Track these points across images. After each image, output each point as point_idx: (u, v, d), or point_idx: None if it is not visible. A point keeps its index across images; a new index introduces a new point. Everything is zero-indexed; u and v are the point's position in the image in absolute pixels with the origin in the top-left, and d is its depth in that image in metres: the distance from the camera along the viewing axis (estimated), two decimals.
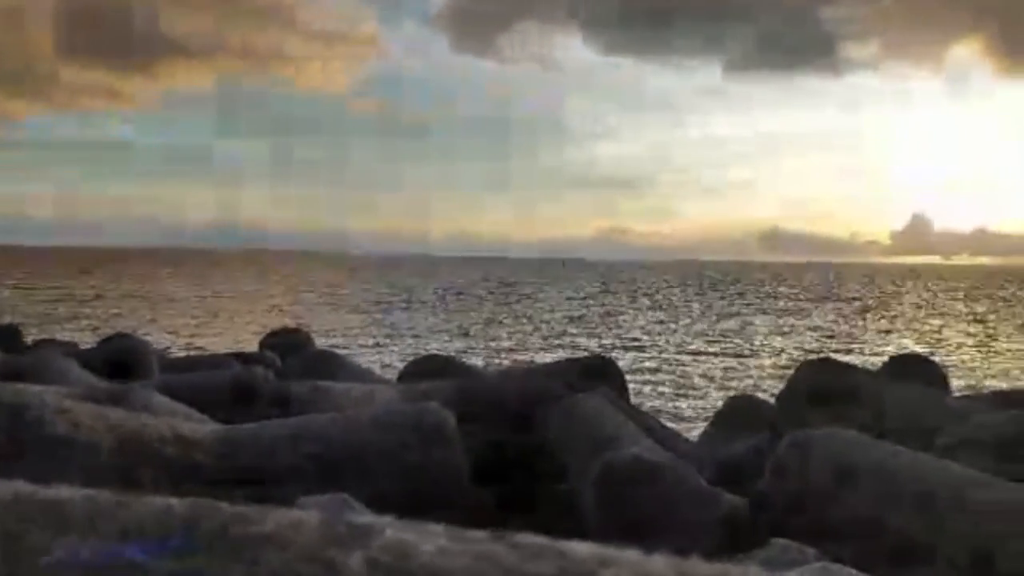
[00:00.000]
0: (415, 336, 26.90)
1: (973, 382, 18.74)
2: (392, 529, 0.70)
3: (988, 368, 22.55)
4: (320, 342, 12.39)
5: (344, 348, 19.77)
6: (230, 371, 6.66)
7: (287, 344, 9.03)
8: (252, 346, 10.85)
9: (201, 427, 4.42)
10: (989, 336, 31.25)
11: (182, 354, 14.08)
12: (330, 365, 8.28)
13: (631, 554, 0.63)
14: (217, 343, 20.69)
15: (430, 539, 0.68)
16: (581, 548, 0.63)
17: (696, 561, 0.63)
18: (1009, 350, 26.84)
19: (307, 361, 8.18)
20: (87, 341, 13.02)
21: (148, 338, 11.77)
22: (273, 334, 9.76)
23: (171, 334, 24.51)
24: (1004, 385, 17.88)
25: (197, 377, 6.54)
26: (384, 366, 16.94)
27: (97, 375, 7.06)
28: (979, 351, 26.55)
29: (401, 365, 10.77)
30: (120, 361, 7.85)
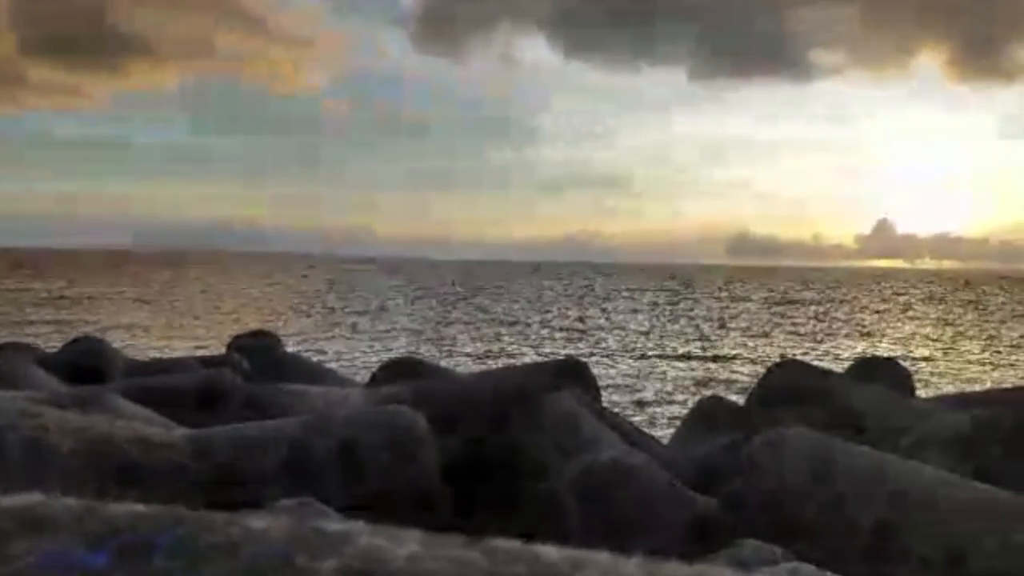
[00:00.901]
0: (385, 339, 26.77)
1: (937, 384, 19.09)
2: (364, 535, 0.70)
3: (952, 371, 22.98)
4: (289, 345, 12.28)
5: (313, 351, 19.62)
6: (197, 374, 6.58)
7: (255, 347, 8.93)
8: (219, 349, 10.72)
9: (170, 432, 4.36)
10: (954, 339, 31.86)
11: (146, 358, 13.88)
12: (299, 369, 8.21)
13: (603, 557, 0.63)
14: (183, 346, 20.43)
15: (403, 545, 0.67)
16: (554, 552, 0.63)
17: (668, 563, 0.63)
18: (970, 351, 27.38)
19: (275, 365, 8.10)
20: (48, 344, 12.78)
21: (112, 341, 11.58)
22: (240, 337, 9.64)
23: (136, 337, 24.15)
24: (968, 388, 18.25)
25: (163, 381, 6.45)
26: (354, 368, 16.84)
27: (60, 379, 6.94)
28: (943, 354, 27.05)
29: (371, 368, 10.72)
30: (85, 365, 7.71)
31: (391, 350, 22.11)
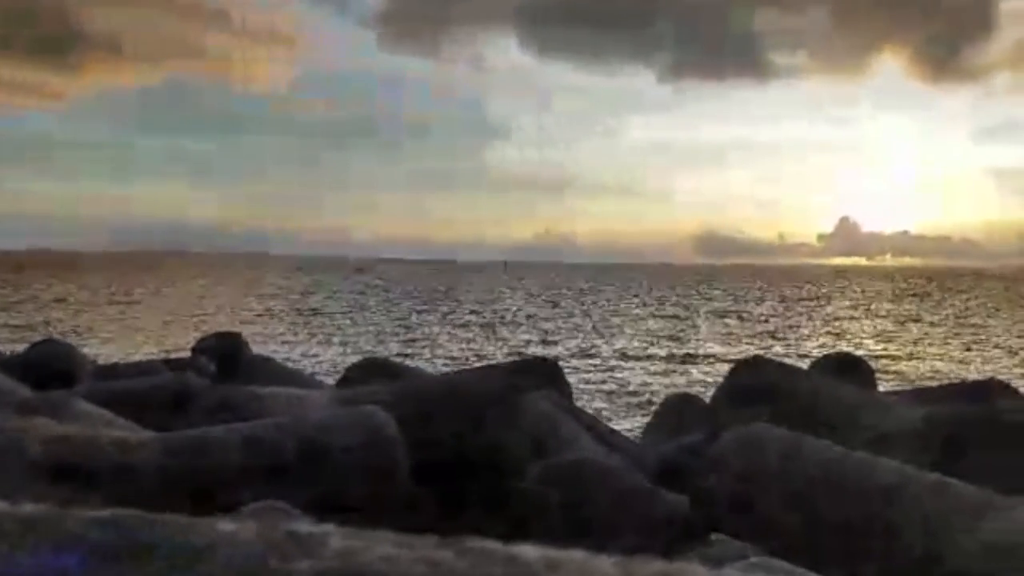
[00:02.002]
0: (355, 340, 26.59)
1: (899, 378, 19.44)
2: (336, 537, 0.69)
3: (913, 365, 23.42)
4: (255, 347, 12.14)
5: (281, 353, 19.43)
6: (162, 377, 6.48)
7: (220, 349, 8.81)
8: (184, 352, 10.57)
9: (137, 436, 4.30)
10: (915, 334, 32.46)
11: (110, 360, 13.63)
12: (266, 370, 8.12)
13: (578, 555, 0.63)
14: (148, 349, 20.11)
15: (376, 546, 0.67)
16: (529, 551, 0.63)
17: (641, 560, 0.64)
18: (930, 345, 27.91)
19: (242, 367, 8.01)
20: (9, 348, 12.50)
21: (74, 343, 11.36)
22: (206, 339, 9.51)
23: (99, 339, 23.73)
24: (928, 382, 18.61)
25: (129, 384, 6.34)
26: (323, 370, 16.70)
27: (22, 383, 6.79)
28: (904, 348, 27.55)
29: (340, 370, 10.63)
30: (49, 368, 7.55)
31: (361, 351, 21.97)
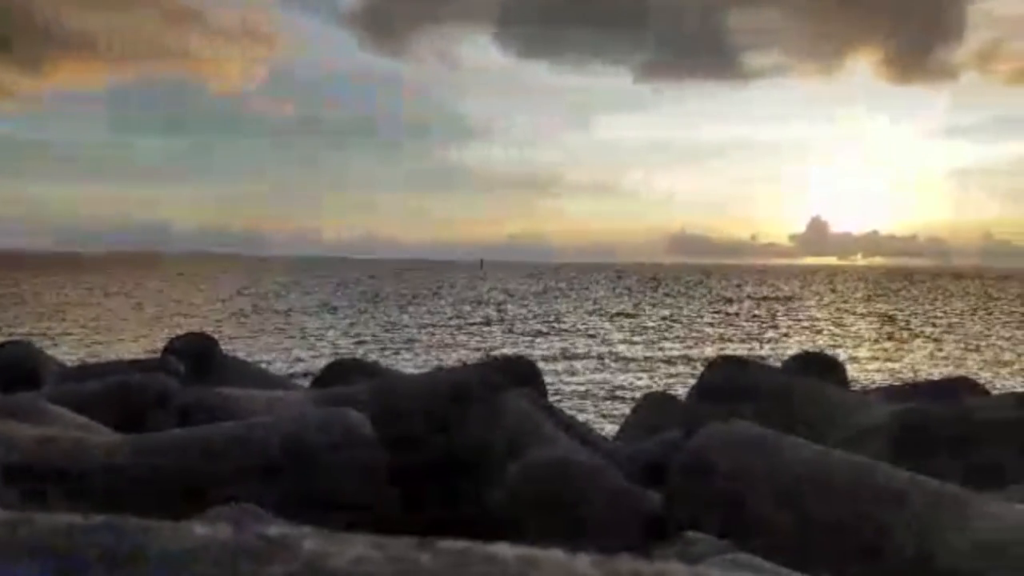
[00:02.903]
0: (327, 340, 26.43)
1: (869, 376, 19.71)
2: (308, 540, 0.68)
3: (883, 362, 23.75)
4: (227, 348, 12.02)
5: (253, 354, 19.26)
6: (132, 379, 6.38)
7: (192, 350, 8.70)
8: (154, 353, 10.43)
9: (107, 439, 4.23)
10: (885, 332, 32.93)
11: (78, 362, 13.43)
12: (238, 372, 8.04)
13: (556, 554, 0.63)
14: (117, 350, 19.84)
15: (350, 549, 0.66)
16: (506, 550, 0.62)
17: (619, 559, 0.63)
18: (900, 343, 28.34)
19: (213, 368, 7.92)
20: None
21: (41, 345, 11.17)
22: (177, 340, 9.39)
23: (66, 341, 23.36)
24: (898, 379, 18.88)
25: (97, 386, 6.24)
26: (296, 371, 16.59)
27: None
28: (874, 346, 27.94)
29: (314, 371, 10.56)
30: (14, 370, 7.41)
31: (334, 351, 21.84)
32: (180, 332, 10.97)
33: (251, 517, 3.22)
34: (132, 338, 24.56)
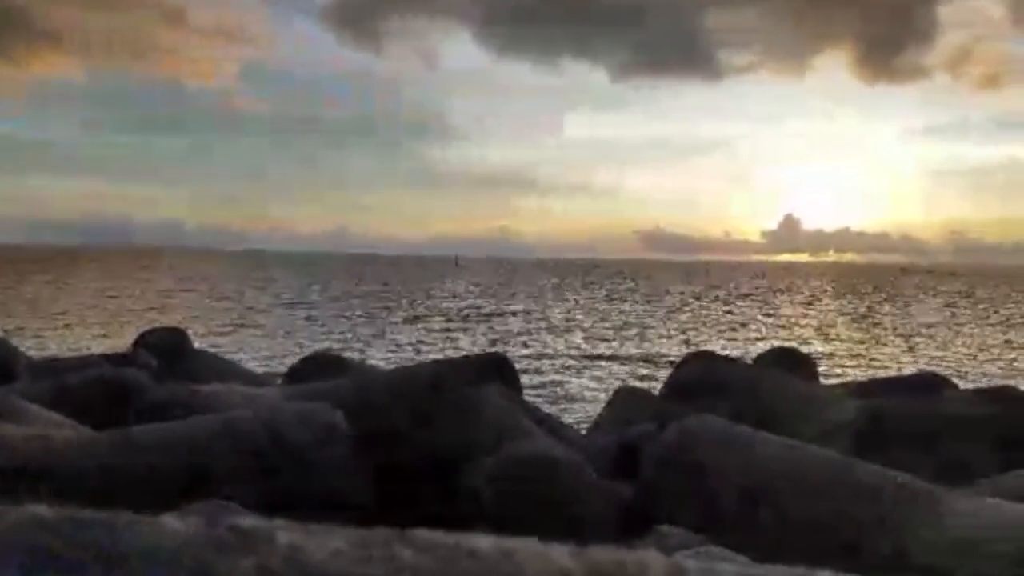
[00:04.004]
0: (301, 335, 26.25)
1: (840, 371, 19.96)
2: (284, 533, 0.68)
3: (853, 357, 24.06)
4: (198, 342, 11.90)
5: (224, 348, 19.08)
6: (103, 373, 6.29)
7: (163, 345, 8.60)
8: (125, 347, 10.29)
9: (78, 434, 4.17)
10: (856, 327, 33.36)
11: (46, 357, 13.21)
12: (210, 366, 7.97)
13: (533, 544, 0.63)
14: (87, 345, 19.56)
15: (325, 542, 0.66)
16: (482, 541, 0.62)
17: (595, 548, 0.64)
18: (871, 338, 28.73)
19: (185, 362, 7.84)
20: None
21: (11, 339, 10.98)
22: (148, 334, 9.28)
23: (35, 335, 22.98)
24: (869, 374, 19.14)
25: (68, 381, 6.15)
26: (268, 366, 16.46)
27: None
28: (845, 342, 28.28)
29: (285, 366, 10.47)
30: None
31: (309, 346, 21.69)
32: (150, 327, 10.84)
33: (226, 513, 3.19)
34: (102, 332, 24.24)
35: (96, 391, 5.52)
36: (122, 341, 14.84)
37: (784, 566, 0.77)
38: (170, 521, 0.70)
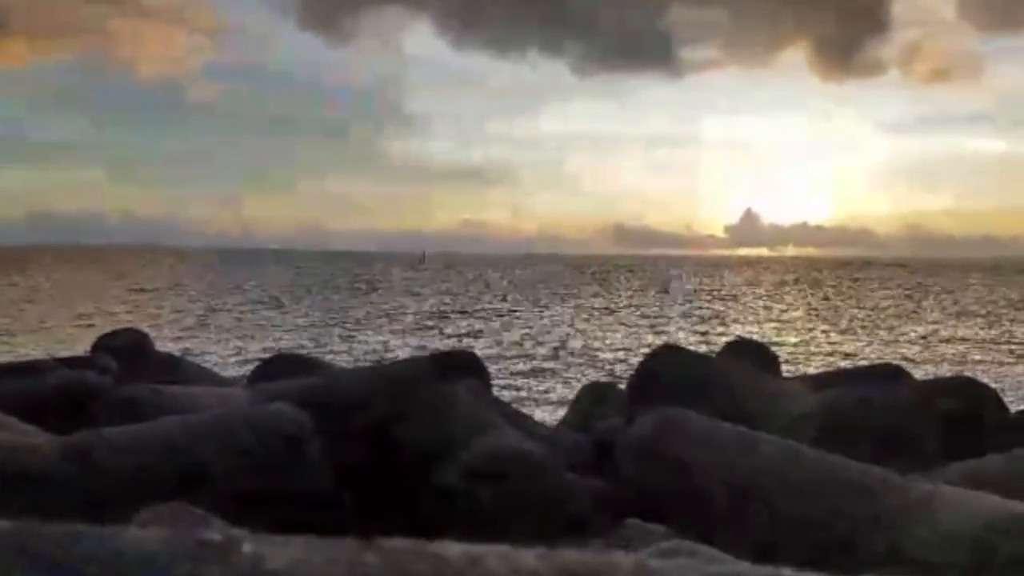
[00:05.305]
0: (262, 335, 25.97)
1: (801, 363, 20.29)
2: (246, 543, 0.67)
3: (813, 349, 24.47)
4: (160, 343, 11.71)
5: (187, 350, 18.81)
6: (60, 376, 6.16)
7: (123, 347, 8.44)
8: (83, 349, 10.09)
9: (35, 439, 4.07)
10: (815, 319, 33.92)
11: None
12: (172, 369, 7.85)
13: (500, 550, 0.63)
14: (42, 347, 19.14)
15: (291, 551, 0.65)
16: (450, 548, 0.62)
17: (565, 551, 0.64)
18: (829, 330, 29.24)
19: (146, 364, 7.71)
20: None
21: None
22: (107, 336, 9.10)
23: None
24: (828, 366, 19.49)
25: (22, 384, 6.01)
26: (231, 367, 16.26)
27: None
28: (806, 334, 28.75)
29: (249, 367, 10.36)
30: None
31: (272, 346, 21.47)
32: (110, 328, 10.64)
33: (186, 518, 3.14)
34: (58, 335, 23.72)
35: (55, 396, 5.40)
36: (80, 345, 14.55)
37: (749, 563, 0.77)
38: (132, 531, 0.69)
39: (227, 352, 21.36)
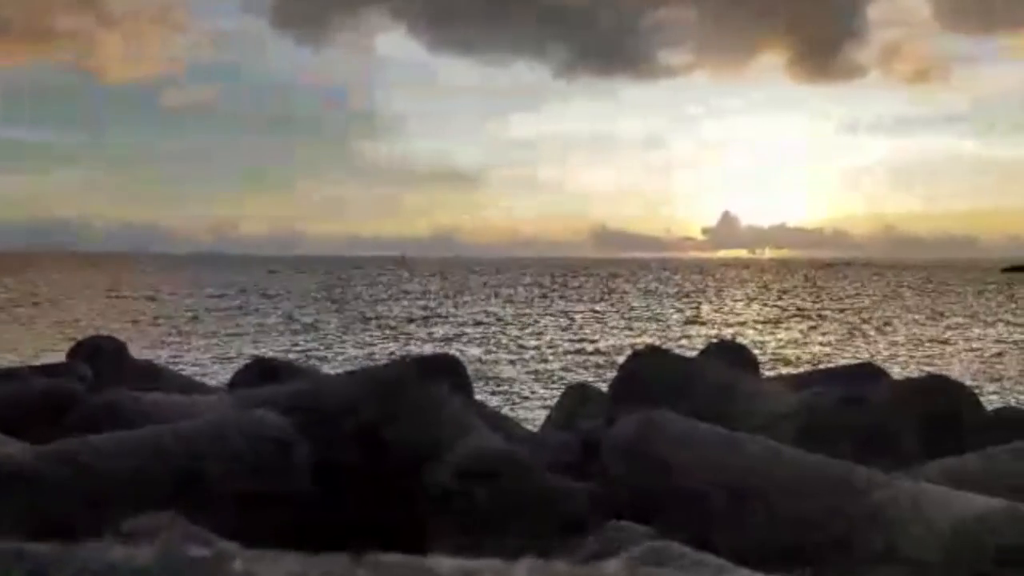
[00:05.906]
0: (241, 341, 25.77)
1: (782, 364, 20.44)
2: (240, 560, 0.66)
3: (796, 351, 24.67)
4: (137, 351, 11.58)
5: (164, 357, 18.63)
6: (34, 384, 6.07)
7: (100, 354, 8.33)
8: (58, 357, 9.96)
9: (11, 449, 4.01)
10: (796, 322, 34.21)
11: None
12: (150, 376, 7.76)
13: (493, 564, 0.63)
14: (16, 354, 18.87)
15: (283, 567, 0.64)
16: (443, 563, 0.62)
17: (556, 564, 0.64)
18: (807, 331, 29.48)
19: (123, 372, 7.61)
20: None
21: None
22: (82, 343, 8.98)
23: None
24: (806, 366, 19.64)
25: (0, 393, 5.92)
26: (210, 373, 16.13)
27: None
28: (786, 335, 28.98)
29: (228, 373, 10.26)
30: None
31: (248, 353, 21.31)
32: (84, 336, 10.50)
33: (171, 528, 3.11)
34: (32, 342, 23.40)
35: (29, 404, 5.32)
36: (54, 352, 14.36)
37: (733, 565, 0.78)
38: (117, 549, 0.68)
39: (206, 359, 21.17)
